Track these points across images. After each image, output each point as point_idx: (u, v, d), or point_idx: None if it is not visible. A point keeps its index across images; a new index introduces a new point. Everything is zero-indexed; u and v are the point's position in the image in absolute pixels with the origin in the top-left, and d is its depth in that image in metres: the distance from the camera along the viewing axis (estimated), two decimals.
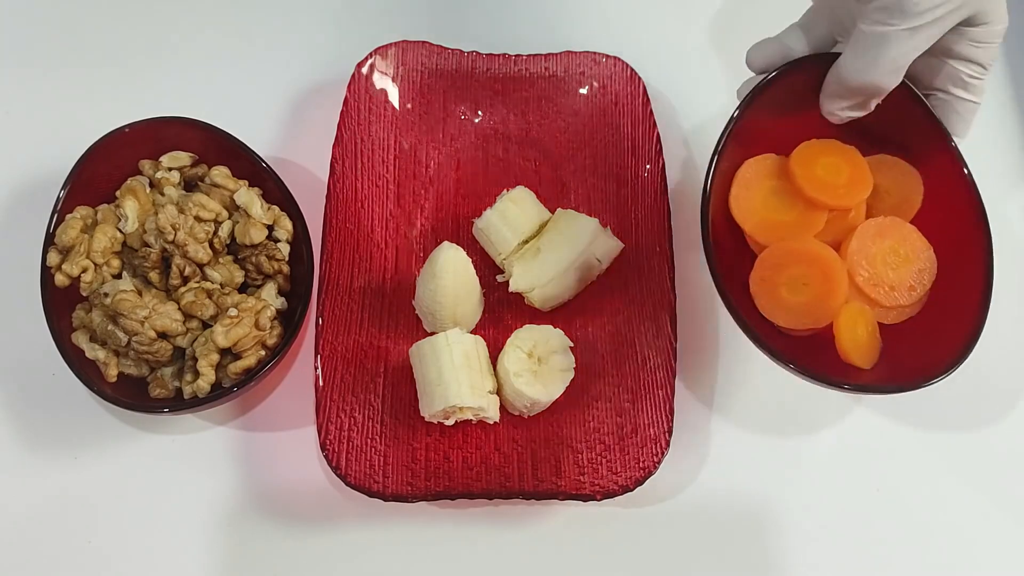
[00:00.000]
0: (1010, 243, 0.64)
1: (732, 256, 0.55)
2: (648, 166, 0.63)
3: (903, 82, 0.49)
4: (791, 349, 0.53)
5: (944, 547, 0.58)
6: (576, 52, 0.65)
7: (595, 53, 0.65)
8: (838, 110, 0.50)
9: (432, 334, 0.59)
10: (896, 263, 0.53)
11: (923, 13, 0.44)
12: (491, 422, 0.57)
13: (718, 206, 0.55)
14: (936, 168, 0.54)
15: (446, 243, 0.59)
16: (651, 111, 0.63)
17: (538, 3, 0.70)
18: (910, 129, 0.53)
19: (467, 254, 0.60)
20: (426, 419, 0.56)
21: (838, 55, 0.49)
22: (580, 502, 0.55)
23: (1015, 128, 0.68)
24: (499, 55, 0.66)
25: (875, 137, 0.55)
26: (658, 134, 0.63)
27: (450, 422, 0.56)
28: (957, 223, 0.53)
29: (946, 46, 0.47)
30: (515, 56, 0.66)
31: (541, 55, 0.66)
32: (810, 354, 0.52)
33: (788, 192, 0.55)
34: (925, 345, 0.53)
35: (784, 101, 0.53)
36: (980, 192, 0.53)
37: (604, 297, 0.62)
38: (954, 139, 0.52)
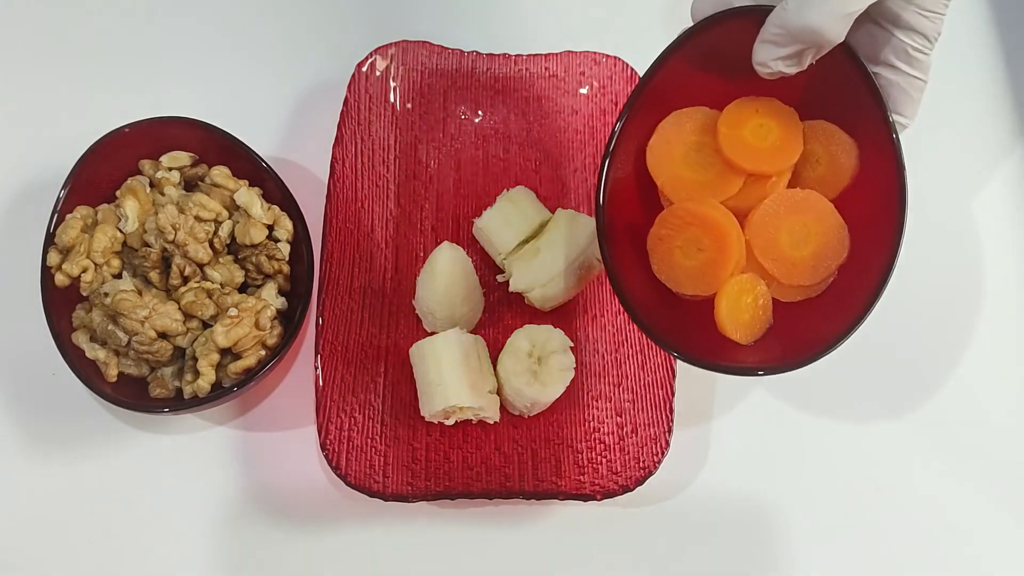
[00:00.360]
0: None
1: (646, 213, 0.52)
2: None
3: (849, 50, 0.47)
4: (683, 316, 0.50)
5: (945, 547, 0.58)
6: (576, 52, 0.65)
7: (595, 53, 0.65)
8: (771, 59, 0.46)
9: (432, 334, 0.59)
10: (802, 240, 0.49)
11: None
12: (491, 422, 0.57)
13: (639, 158, 0.51)
14: (868, 145, 0.49)
15: (446, 243, 0.59)
16: None
17: (538, 3, 0.70)
18: (850, 101, 0.49)
19: (467, 254, 0.60)
20: (426, 419, 0.56)
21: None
22: (580, 502, 0.55)
23: (1015, 128, 0.68)
24: (499, 55, 0.66)
25: (813, 106, 0.50)
26: None
27: (450, 422, 0.56)
28: (878, 204, 0.49)
29: (892, 12, 0.46)
30: (515, 56, 0.66)
31: (541, 55, 0.66)
32: (702, 324, 0.50)
33: (710, 150, 0.51)
34: (809, 328, 0.49)
35: (723, 53, 0.49)
36: (906, 176, 0.48)
37: (604, 297, 0.62)
38: (903, 121, 0.48)
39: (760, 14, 0.45)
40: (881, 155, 0.48)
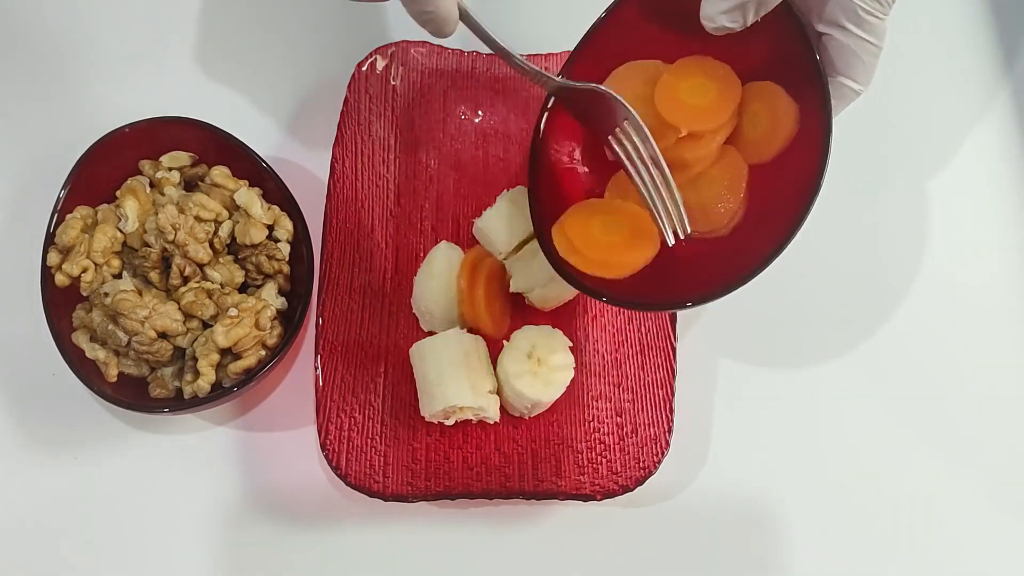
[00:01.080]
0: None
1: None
2: None
3: (794, 13, 0.48)
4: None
5: (945, 546, 0.58)
6: None
7: None
8: (717, 13, 0.47)
9: (431, 333, 0.59)
10: (609, 231, 0.53)
11: None
12: (491, 422, 0.57)
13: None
14: (807, 108, 0.49)
15: (443, 243, 0.59)
16: None
17: (538, 3, 0.70)
18: (795, 65, 0.49)
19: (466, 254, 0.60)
20: (426, 419, 0.56)
21: None
22: (580, 502, 0.55)
23: (1015, 130, 0.68)
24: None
25: (764, 68, 0.51)
26: None
27: (450, 422, 0.56)
28: (804, 170, 0.48)
29: None
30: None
31: (541, 55, 0.65)
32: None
33: (652, 102, 0.52)
34: (721, 264, 0.51)
35: (677, 8, 0.51)
36: (830, 144, 0.47)
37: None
38: (854, 87, 0.48)
39: None
40: (815, 120, 0.48)
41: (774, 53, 0.50)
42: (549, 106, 0.56)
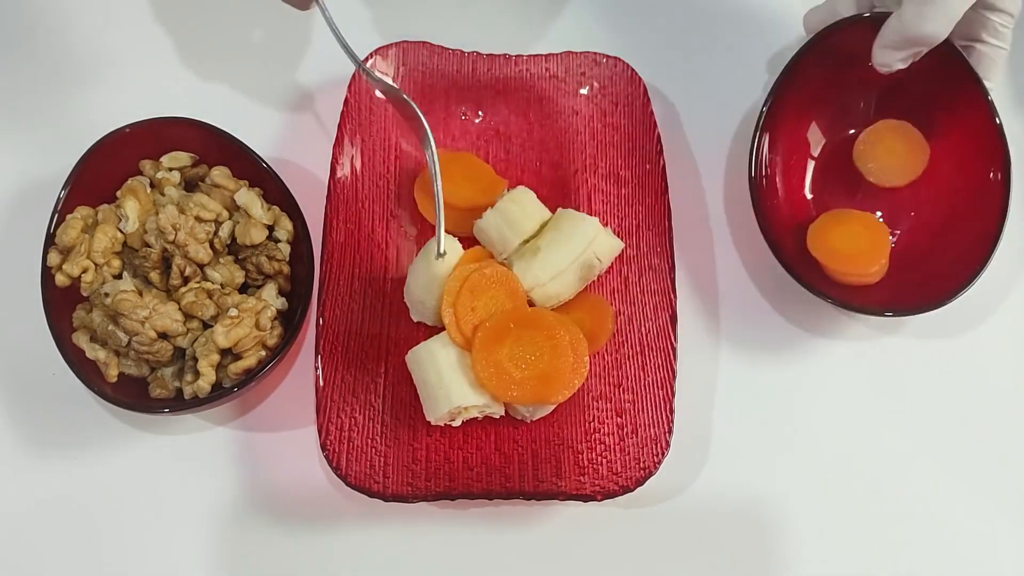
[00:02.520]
0: None
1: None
2: (648, 166, 0.63)
3: (950, 43, 0.55)
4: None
5: (946, 547, 0.58)
6: (576, 52, 0.65)
7: (595, 53, 0.65)
8: (892, 60, 0.56)
9: (422, 325, 0.59)
10: None
11: None
12: (497, 416, 0.57)
13: (790, 130, 0.63)
14: (967, 121, 0.59)
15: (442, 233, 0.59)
16: (651, 111, 0.63)
17: (539, 3, 0.70)
18: (948, 83, 0.59)
19: None
20: (432, 423, 0.56)
21: (883, 14, 0.56)
22: (580, 502, 0.55)
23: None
24: (500, 55, 0.66)
25: (914, 92, 0.61)
26: (658, 134, 0.63)
27: (457, 423, 0.56)
28: (980, 175, 0.59)
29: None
30: (516, 56, 0.66)
31: (542, 55, 0.66)
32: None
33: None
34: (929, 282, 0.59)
35: (840, 52, 0.59)
36: (1008, 147, 0.57)
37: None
38: (990, 86, 0.58)
39: (870, 21, 0.57)
40: (987, 128, 0.58)
41: (933, 74, 0.58)
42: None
